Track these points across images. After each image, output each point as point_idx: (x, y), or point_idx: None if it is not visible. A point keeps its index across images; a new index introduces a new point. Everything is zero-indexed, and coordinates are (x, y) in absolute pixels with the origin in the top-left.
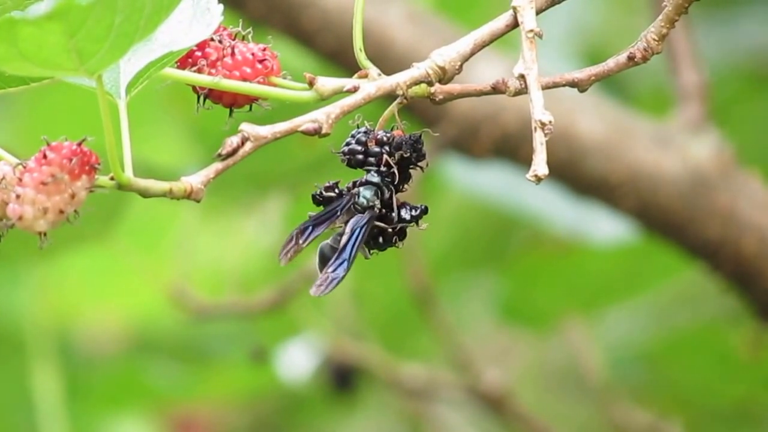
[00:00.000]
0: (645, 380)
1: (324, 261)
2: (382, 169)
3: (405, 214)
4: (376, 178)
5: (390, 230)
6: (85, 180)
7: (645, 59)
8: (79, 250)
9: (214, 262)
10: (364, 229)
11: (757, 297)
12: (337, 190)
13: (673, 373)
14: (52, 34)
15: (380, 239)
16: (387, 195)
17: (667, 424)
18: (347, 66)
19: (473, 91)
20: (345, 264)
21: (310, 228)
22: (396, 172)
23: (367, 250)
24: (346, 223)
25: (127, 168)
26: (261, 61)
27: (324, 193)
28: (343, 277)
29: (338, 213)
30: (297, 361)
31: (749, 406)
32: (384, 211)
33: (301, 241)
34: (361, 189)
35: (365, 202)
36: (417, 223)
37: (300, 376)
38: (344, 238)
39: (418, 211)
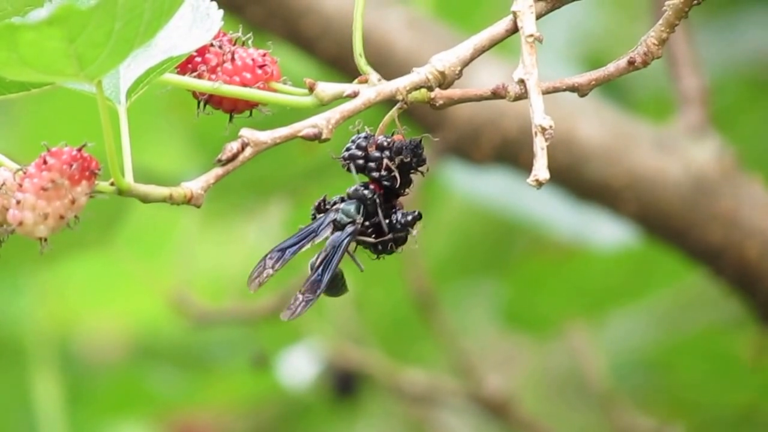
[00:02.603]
0: (648, 385)
1: None
2: (374, 175)
3: (397, 221)
4: (359, 192)
5: (385, 239)
6: (86, 185)
7: (645, 64)
8: (79, 257)
9: (215, 268)
10: (342, 247)
11: (760, 302)
12: (325, 206)
13: (676, 378)
14: (53, 39)
15: (378, 247)
16: (371, 207)
17: (670, 430)
18: (347, 71)
19: (473, 96)
20: (317, 284)
21: (281, 253)
22: (396, 177)
23: (359, 262)
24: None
25: (128, 173)
26: (261, 67)
27: (319, 207)
28: (315, 299)
29: (316, 232)
30: (299, 367)
31: (753, 412)
32: (376, 220)
33: (272, 266)
34: (343, 205)
35: (344, 218)
36: (410, 229)
37: (302, 382)
38: (320, 256)
39: (411, 218)
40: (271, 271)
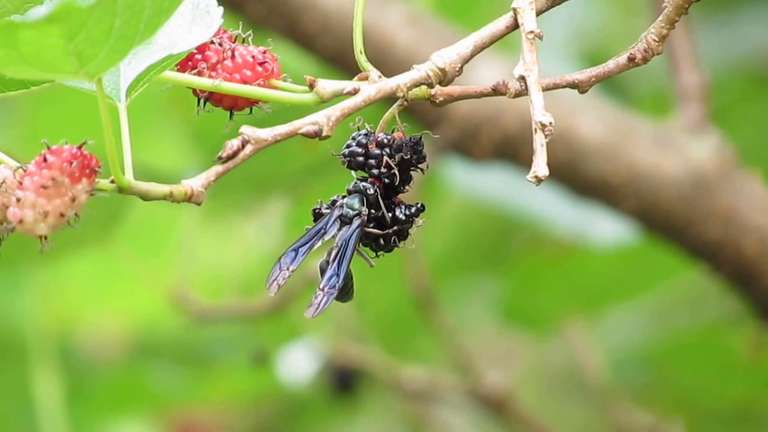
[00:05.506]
0: (646, 382)
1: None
2: (373, 172)
3: (400, 213)
4: (360, 185)
5: (389, 232)
6: (86, 183)
7: (645, 60)
8: (80, 255)
9: (215, 265)
10: (352, 240)
11: (758, 298)
12: (325, 208)
13: (674, 374)
14: (52, 37)
15: (381, 241)
16: (373, 197)
17: (668, 426)
18: (347, 68)
19: (473, 93)
20: (335, 279)
21: (295, 253)
22: (396, 173)
23: (369, 258)
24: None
25: (128, 171)
26: (261, 64)
27: (319, 211)
28: (335, 294)
29: (324, 230)
30: (298, 364)
31: (750, 407)
32: (380, 213)
33: (288, 268)
34: (346, 200)
35: (350, 212)
36: (413, 221)
37: (301, 379)
38: (333, 252)
39: (414, 210)
40: (287, 272)
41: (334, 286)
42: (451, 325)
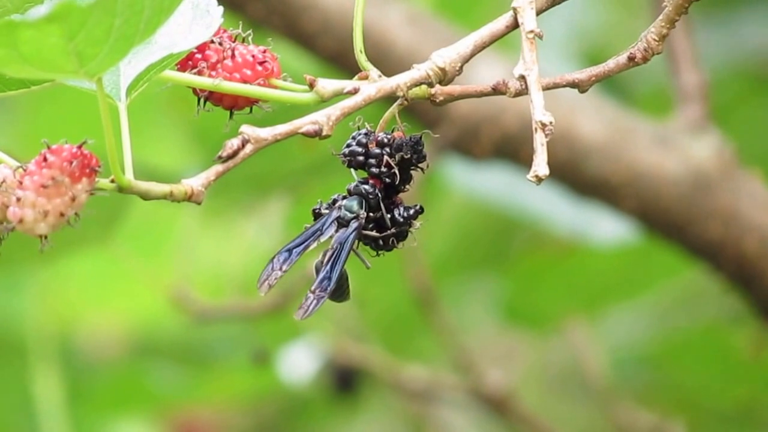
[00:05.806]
0: (648, 381)
1: None
2: (374, 171)
3: (399, 215)
4: (360, 188)
5: (387, 234)
6: (86, 183)
7: (645, 60)
8: (80, 254)
9: (215, 264)
10: (347, 244)
11: (759, 297)
12: (326, 208)
13: (675, 373)
14: (52, 36)
15: (380, 242)
16: (373, 202)
17: (670, 425)
18: (348, 68)
19: (474, 93)
20: (327, 282)
21: (288, 253)
22: (396, 173)
23: (365, 259)
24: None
25: (128, 171)
26: (261, 63)
27: (321, 210)
28: (326, 296)
29: (321, 231)
30: (299, 363)
31: (752, 407)
32: (378, 214)
33: (280, 267)
34: (345, 201)
35: (348, 214)
36: (413, 223)
37: (302, 378)
38: (328, 254)
39: (412, 212)
40: (279, 273)
41: (326, 289)
42: (451, 325)
